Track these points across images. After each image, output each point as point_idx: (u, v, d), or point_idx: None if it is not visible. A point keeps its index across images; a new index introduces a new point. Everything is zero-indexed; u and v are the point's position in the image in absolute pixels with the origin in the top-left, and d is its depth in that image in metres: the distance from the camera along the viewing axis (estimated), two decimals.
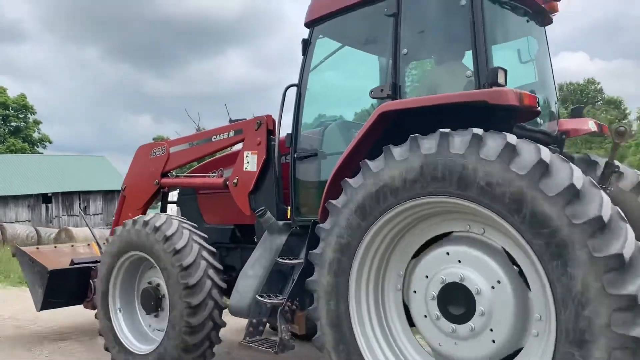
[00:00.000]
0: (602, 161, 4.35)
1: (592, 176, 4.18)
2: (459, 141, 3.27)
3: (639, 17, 69.38)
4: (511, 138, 3.16)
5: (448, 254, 3.56)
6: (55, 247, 7.97)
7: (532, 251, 2.98)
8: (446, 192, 3.29)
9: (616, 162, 4.10)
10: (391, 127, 3.99)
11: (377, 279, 3.90)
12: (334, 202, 3.88)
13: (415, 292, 3.71)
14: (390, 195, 3.55)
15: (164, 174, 6.41)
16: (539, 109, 3.63)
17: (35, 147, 61.08)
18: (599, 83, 61.53)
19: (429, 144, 3.39)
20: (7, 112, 58.32)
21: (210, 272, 4.98)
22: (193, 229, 5.22)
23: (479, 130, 3.26)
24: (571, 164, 3.08)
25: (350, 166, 4.01)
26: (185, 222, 5.30)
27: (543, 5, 4.54)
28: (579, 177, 2.97)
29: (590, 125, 4.71)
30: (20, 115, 59.88)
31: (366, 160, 3.72)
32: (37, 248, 7.59)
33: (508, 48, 4.76)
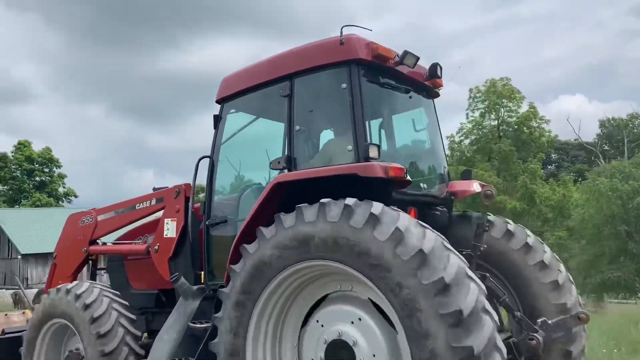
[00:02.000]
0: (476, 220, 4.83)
1: (470, 232, 4.66)
2: (334, 210, 3.71)
3: (633, 60, 73.15)
4: (376, 207, 3.60)
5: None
6: None
7: (391, 306, 3.37)
8: (321, 256, 3.68)
9: (488, 219, 4.60)
10: (289, 195, 4.39)
11: (273, 346, 4.18)
12: (233, 267, 4.20)
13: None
14: (279, 260, 3.90)
15: (92, 242, 6.60)
16: (407, 178, 4.07)
17: (60, 202, 57.53)
18: None
19: (310, 213, 3.79)
20: (33, 166, 55.31)
21: (128, 338, 5.15)
22: (114, 297, 5.41)
23: (350, 201, 3.69)
24: (426, 230, 3.53)
25: (252, 233, 4.35)
26: (107, 290, 5.49)
27: (426, 83, 5.10)
28: (430, 240, 3.40)
29: (475, 187, 5.20)
30: (45, 170, 56.96)
31: (260, 227, 4.08)
32: None
33: (404, 118, 5.30)
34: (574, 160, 59.04)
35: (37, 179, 56.12)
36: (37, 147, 56.35)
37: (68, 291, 5.39)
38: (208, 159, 5.29)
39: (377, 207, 3.59)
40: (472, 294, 3.25)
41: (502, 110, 40.02)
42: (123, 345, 5.10)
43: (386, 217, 3.52)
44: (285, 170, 4.51)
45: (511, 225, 4.98)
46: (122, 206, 6.45)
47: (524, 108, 39.83)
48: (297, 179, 4.22)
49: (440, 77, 5.12)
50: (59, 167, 58.23)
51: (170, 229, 5.64)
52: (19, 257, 39.51)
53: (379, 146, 4.13)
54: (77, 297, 5.29)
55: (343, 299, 3.92)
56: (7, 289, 31.77)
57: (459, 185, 5.25)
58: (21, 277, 37.03)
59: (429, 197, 4.87)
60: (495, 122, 40.66)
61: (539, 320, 4.37)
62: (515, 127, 39.97)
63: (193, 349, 4.79)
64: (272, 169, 4.71)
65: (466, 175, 5.51)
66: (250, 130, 5.36)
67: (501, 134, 40.48)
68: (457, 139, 41.50)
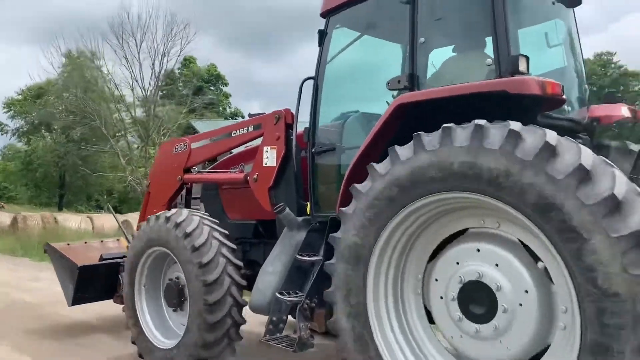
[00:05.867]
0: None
1: (628, 166, 3.96)
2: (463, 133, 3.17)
3: None
4: (515, 125, 3.02)
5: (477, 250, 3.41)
6: (85, 242, 8.11)
7: (548, 241, 2.84)
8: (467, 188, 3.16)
9: None
10: (409, 119, 3.86)
11: (396, 275, 3.78)
12: (358, 186, 3.76)
13: (435, 293, 3.60)
14: (417, 186, 3.40)
15: (187, 170, 6.41)
16: (564, 97, 3.43)
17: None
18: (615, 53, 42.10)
19: (463, 134, 3.21)
20: (201, 83, 47.91)
21: (230, 269, 4.95)
22: (213, 226, 5.20)
23: (515, 125, 3.07)
24: (579, 144, 2.92)
25: (368, 160, 3.88)
26: (207, 219, 5.29)
27: None
28: (587, 157, 2.81)
29: (624, 111, 4.45)
30: (212, 88, 51.27)
31: (395, 146, 3.57)
32: (68, 244, 7.74)
33: (535, 32, 4.54)
34: None
35: (207, 97, 45.19)
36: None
37: (168, 219, 5.23)
38: (312, 81, 4.81)
39: (551, 135, 2.96)
40: None
41: None
42: (225, 276, 4.92)
43: (564, 149, 2.90)
44: (407, 91, 3.95)
45: None
46: (217, 134, 6.17)
47: None
48: (426, 99, 3.65)
49: None
50: (226, 84, 52.60)
51: (270, 157, 5.30)
52: None
53: (528, 58, 3.47)
54: (177, 225, 5.11)
55: (484, 237, 3.40)
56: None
57: (603, 110, 4.51)
58: None
59: (573, 122, 4.18)
60: None
61: None
62: None
63: (300, 283, 4.52)
64: (390, 89, 4.16)
65: (610, 98, 4.75)
66: (359, 48, 4.80)
67: None
68: None
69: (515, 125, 3.02)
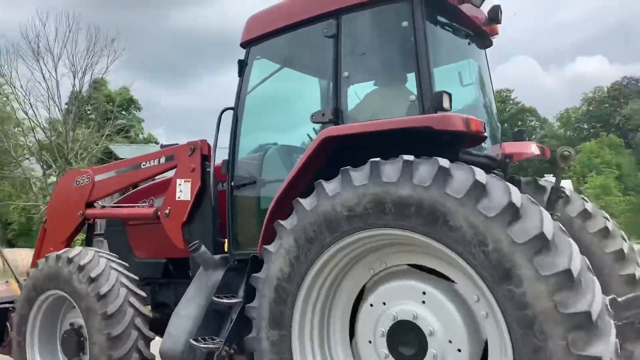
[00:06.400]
0: (549, 186, 4.29)
1: (539, 201, 4.10)
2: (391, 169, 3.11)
3: None
4: (444, 162, 3.02)
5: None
6: None
7: (479, 278, 2.82)
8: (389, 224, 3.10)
9: (562, 187, 4.04)
10: (333, 153, 3.77)
11: (322, 318, 3.60)
12: (283, 222, 3.56)
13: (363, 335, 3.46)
14: (344, 223, 3.26)
15: (89, 204, 5.90)
16: (485, 134, 3.50)
17: None
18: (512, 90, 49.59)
19: (392, 170, 3.14)
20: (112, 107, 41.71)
21: (138, 321, 4.55)
22: (122, 270, 4.78)
23: (444, 162, 3.05)
24: (506, 182, 2.96)
25: (292, 194, 3.72)
26: (114, 261, 4.85)
27: (484, 28, 4.48)
28: (516, 195, 2.85)
29: (533, 148, 4.67)
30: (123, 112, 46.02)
31: (321, 180, 3.43)
32: None
33: (449, 71, 4.68)
34: None
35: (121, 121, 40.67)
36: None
37: (70, 260, 4.72)
38: (232, 112, 4.61)
39: (479, 173, 2.96)
40: (576, 251, 2.76)
41: None
42: (132, 329, 4.51)
43: (493, 187, 2.90)
44: (331, 124, 3.87)
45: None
46: (124, 165, 5.75)
47: None
48: (353, 133, 3.57)
49: (500, 22, 4.50)
50: (139, 109, 47.61)
51: (184, 190, 4.98)
52: None
53: (450, 95, 3.51)
54: (80, 268, 4.63)
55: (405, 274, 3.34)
56: None
57: (514, 147, 4.70)
58: None
59: (488, 159, 4.30)
60: None
61: (608, 298, 3.89)
62: None
63: (217, 328, 4.20)
64: (315, 122, 4.05)
65: (518, 136, 4.97)
66: (279, 81, 4.68)
67: None
68: None
69: (444, 162, 3.01)
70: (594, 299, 2.65)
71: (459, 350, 3.06)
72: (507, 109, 42.78)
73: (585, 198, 4.52)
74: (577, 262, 2.70)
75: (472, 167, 3.01)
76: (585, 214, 4.47)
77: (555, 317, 2.58)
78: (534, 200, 2.92)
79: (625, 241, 4.48)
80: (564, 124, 50.11)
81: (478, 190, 2.84)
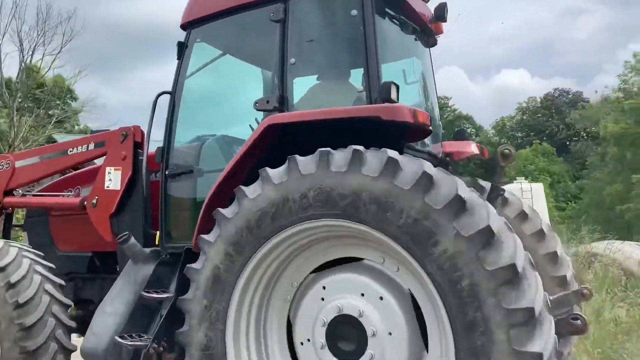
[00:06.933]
0: (488, 185, 4.33)
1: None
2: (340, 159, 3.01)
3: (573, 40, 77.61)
4: (392, 153, 2.96)
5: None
6: None
7: (422, 270, 2.78)
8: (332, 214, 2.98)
9: (502, 186, 4.09)
10: (276, 143, 3.62)
11: (260, 304, 3.43)
12: (223, 211, 3.35)
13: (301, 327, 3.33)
14: (289, 212, 3.11)
15: (8, 192, 5.44)
16: (430, 127, 3.47)
17: None
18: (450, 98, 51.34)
19: (341, 159, 3.03)
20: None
21: (55, 308, 4.20)
22: (36, 258, 4.40)
23: (392, 153, 2.98)
24: (455, 177, 2.95)
25: (232, 183, 3.54)
26: (28, 250, 4.47)
27: (430, 26, 4.48)
28: (463, 188, 2.84)
29: (473, 148, 4.71)
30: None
31: (266, 168, 3.26)
32: None
33: (394, 68, 4.64)
34: None
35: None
36: None
37: None
38: (169, 96, 4.37)
39: (428, 165, 2.91)
40: (520, 248, 2.78)
41: None
42: (48, 316, 4.16)
43: (440, 180, 2.87)
44: (276, 112, 3.72)
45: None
46: (49, 150, 5.35)
47: None
48: (298, 121, 3.44)
49: (446, 20, 4.50)
50: (75, 99, 41.55)
51: (114, 179, 4.67)
52: None
53: (398, 86, 3.45)
54: None
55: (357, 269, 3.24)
56: None
57: (455, 146, 4.74)
58: None
59: (431, 155, 4.29)
60: None
61: None
62: None
63: (145, 324, 3.93)
64: (258, 109, 3.88)
65: (460, 135, 5.02)
66: (220, 67, 4.48)
67: None
68: None
69: (393, 153, 2.94)
70: (536, 294, 2.65)
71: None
72: (444, 116, 44.37)
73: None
74: (521, 257, 2.70)
75: (421, 159, 2.96)
76: (523, 216, 4.57)
77: (499, 313, 2.56)
78: (481, 195, 2.90)
79: (559, 243, 4.62)
80: (499, 132, 52.47)
81: (426, 181, 2.78)
